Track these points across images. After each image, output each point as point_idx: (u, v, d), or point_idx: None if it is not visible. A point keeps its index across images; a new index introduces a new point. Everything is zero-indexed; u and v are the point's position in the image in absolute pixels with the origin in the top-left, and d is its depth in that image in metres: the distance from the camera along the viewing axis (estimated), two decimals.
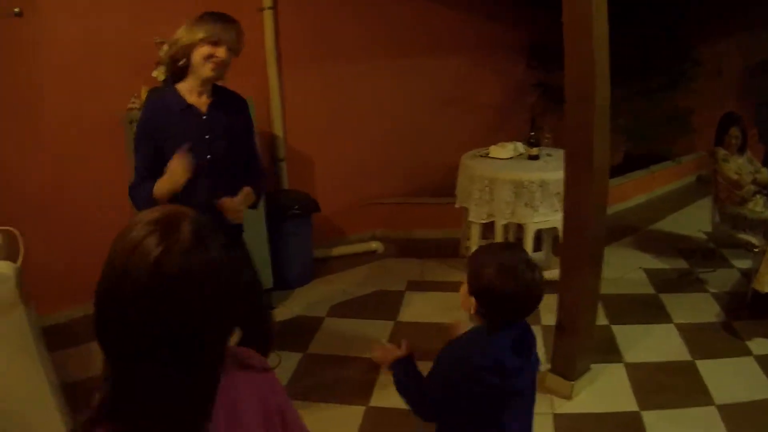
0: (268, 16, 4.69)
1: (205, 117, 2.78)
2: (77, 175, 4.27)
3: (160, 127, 2.74)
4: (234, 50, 2.75)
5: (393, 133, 5.50)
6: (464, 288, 1.98)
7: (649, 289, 4.65)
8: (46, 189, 4.16)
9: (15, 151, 4.06)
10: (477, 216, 4.65)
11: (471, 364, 1.87)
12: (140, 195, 2.73)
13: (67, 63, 4.08)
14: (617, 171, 6.35)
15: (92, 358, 4.02)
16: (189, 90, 2.77)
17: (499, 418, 1.95)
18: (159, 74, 3.94)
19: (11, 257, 3.11)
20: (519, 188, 4.45)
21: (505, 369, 1.85)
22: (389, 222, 5.60)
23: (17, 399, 3.10)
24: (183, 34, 2.70)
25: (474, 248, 4.59)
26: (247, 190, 2.86)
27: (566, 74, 3.23)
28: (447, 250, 5.27)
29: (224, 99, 2.86)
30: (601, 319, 4.11)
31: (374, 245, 5.37)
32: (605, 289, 4.28)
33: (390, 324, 4.27)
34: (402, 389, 2.09)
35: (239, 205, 2.82)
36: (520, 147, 4.81)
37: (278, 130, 4.90)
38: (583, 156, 3.31)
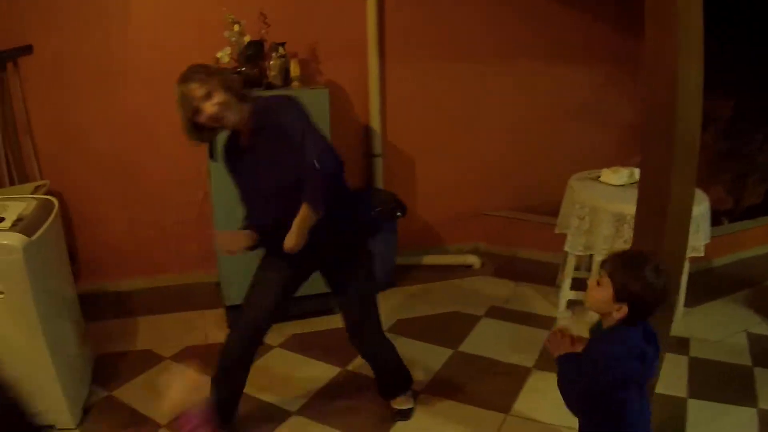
0: (371, 2, 4.54)
1: (248, 155, 2.83)
2: (150, 149, 4.46)
3: (229, 167, 2.95)
4: (219, 90, 2.65)
5: (507, 141, 5.15)
6: (605, 294, 2.22)
7: (746, 359, 3.95)
8: (121, 159, 4.38)
9: (94, 119, 4.30)
10: (573, 246, 4.22)
11: (620, 356, 2.19)
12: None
13: (145, 34, 4.30)
14: (754, 212, 5.61)
15: (135, 332, 4.24)
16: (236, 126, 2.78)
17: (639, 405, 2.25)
18: (223, 56, 3.95)
19: (36, 225, 3.24)
20: (620, 223, 3.95)
21: (647, 356, 2.18)
22: (492, 237, 5.26)
23: (18, 368, 3.26)
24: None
25: (567, 281, 4.27)
26: (296, 222, 2.69)
27: (647, 95, 2.76)
28: (546, 276, 4.88)
29: (261, 124, 2.75)
30: (680, 389, 3.61)
31: (470, 260, 5.07)
32: (698, 351, 3.98)
33: (447, 353, 4.00)
34: (564, 383, 2.30)
35: (292, 241, 2.70)
36: (636, 174, 4.23)
37: (375, 124, 4.74)
38: (658, 201, 2.81)
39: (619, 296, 2.19)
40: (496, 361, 3.90)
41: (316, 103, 3.95)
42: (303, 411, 3.48)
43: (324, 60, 4.52)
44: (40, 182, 4.25)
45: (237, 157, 2.88)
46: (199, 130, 2.73)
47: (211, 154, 3.11)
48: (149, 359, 4.00)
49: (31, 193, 4.02)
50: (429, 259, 5.12)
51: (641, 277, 2.17)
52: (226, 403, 3.19)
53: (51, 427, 3.39)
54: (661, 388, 3.36)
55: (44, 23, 4.15)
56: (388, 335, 3.49)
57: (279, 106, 2.74)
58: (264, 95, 2.92)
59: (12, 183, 4.28)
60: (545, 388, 3.59)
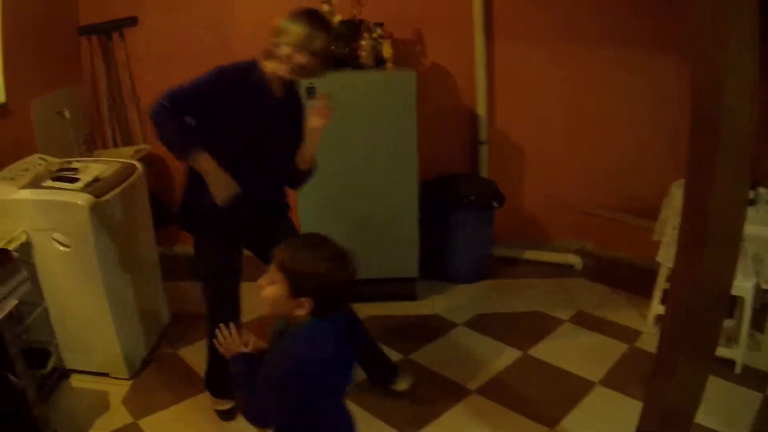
0: None
1: (272, 104, 2.93)
2: None
3: (224, 91, 2.84)
4: (317, 55, 2.77)
5: (627, 136, 4.73)
6: (278, 291, 1.95)
7: None
8: None
9: None
10: (665, 257, 3.90)
11: (306, 360, 1.92)
12: (168, 116, 2.75)
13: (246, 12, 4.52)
14: None
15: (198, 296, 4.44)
16: (272, 72, 2.85)
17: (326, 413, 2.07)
18: None
19: (109, 187, 3.53)
20: None
21: (339, 360, 2.00)
22: (601, 237, 4.93)
23: (78, 316, 3.59)
24: (278, 25, 2.80)
25: (657, 294, 3.96)
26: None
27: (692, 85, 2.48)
28: (647, 284, 4.45)
29: (292, 96, 3.01)
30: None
31: (571, 259, 4.81)
32: None
33: (515, 354, 3.87)
34: (239, 386, 2.08)
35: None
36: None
37: (481, 109, 4.61)
38: (699, 217, 2.55)
39: (296, 292, 1.93)
40: (562, 370, 3.72)
41: (402, 86, 3.97)
42: (482, 391, 3.57)
43: (425, 41, 4.47)
44: (140, 146, 4.60)
45: (251, 98, 2.89)
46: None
47: None
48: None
49: (130, 157, 4.36)
50: (529, 254, 4.93)
51: (315, 267, 1.92)
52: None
53: (106, 374, 3.73)
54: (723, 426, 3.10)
55: None
56: (464, 328, 3.52)
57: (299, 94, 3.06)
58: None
59: (116, 146, 4.66)
60: (601, 407, 3.40)
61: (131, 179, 3.78)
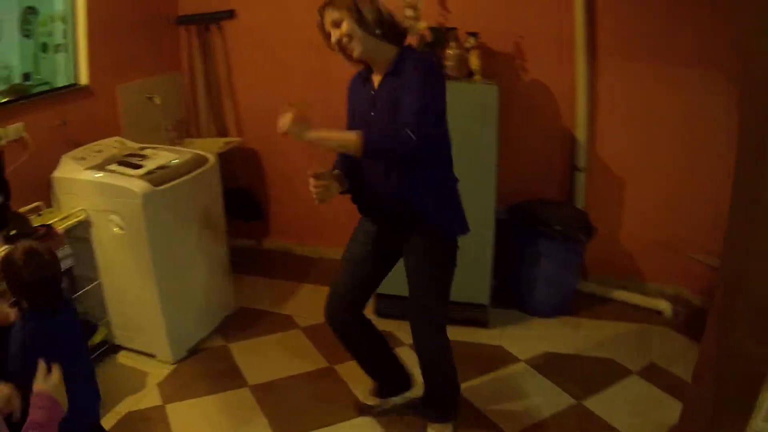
0: None
1: (373, 93, 2.84)
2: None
3: (350, 101, 3.00)
4: (349, 20, 2.67)
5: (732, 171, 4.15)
6: None
7: None
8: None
9: (292, 84, 4.70)
10: None
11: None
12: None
13: None
14: None
15: (289, 296, 4.55)
16: (376, 65, 2.84)
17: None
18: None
19: (171, 177, 3.71)
20: None
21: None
22: (701, 286, 4.41)
23: (130, 300, 3.84)
24: None
25: None
26: (328, 130, 2.71)
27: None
28: None
29: (398, 70, 2.74)
30: None
31: (662, 305, 4.37)
32: None
33: (568, 401, 3.60)
34: None
35: (287, 120, 2.63)
36: None
37: (580, 133, 4.31)
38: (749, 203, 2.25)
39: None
40: (611, 427, 3.45)
41: (483, 100, 3.84)
42: None
43: (523, 56, 4.24)
44: (231, 138, 4.76)
45: (361, 92, 2.90)
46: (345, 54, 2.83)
47: None
48: (283, 325, 4.32)
49: (220, 148, 4.55)
50: (618, 294, 4.55)
51: (15, 262, 2.20)
52: (372, 373, 3.47)
53: (152, 356, 3.92)
54: None
55: None
56: (525, 365, 3.62)
57: (419, 59, 2.73)
58: (414, 48, 2.88)
59: (209, 137, 4.85)
60: None
61: (200, 170, 3.92)
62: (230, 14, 4.70)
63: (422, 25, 3.99)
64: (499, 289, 4.41)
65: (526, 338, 4.16)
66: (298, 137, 2.60)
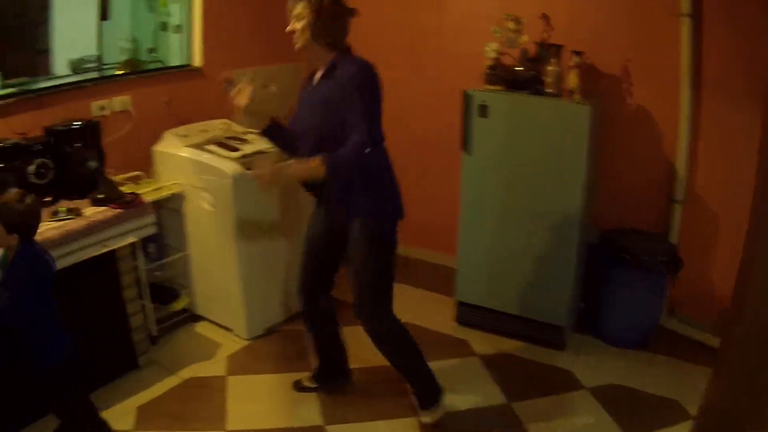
0: (685, 25, 3.94)
1: (310, 89, 3.15)
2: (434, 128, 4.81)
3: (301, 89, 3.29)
4: (299, 19, 2.97)
5: None
6: None
7: None
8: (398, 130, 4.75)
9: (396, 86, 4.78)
10: None
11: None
12: None
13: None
14: None
15: None
16: (318, 64, 3.13)
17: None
18: (489, 51, 4.00)
19: None
20: None
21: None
22: None
23: (214, 274, 4.13)
24: None
25: None
26: (295, 161, 3.10)
27: None
28: None
29: (336, 72, 3.02)
30: None
31: None
32: None
33: None
34: None
35: (264, 171, 3.12)
36: None
37: (681, 164, 4.16)
38: None
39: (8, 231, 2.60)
40: None
41: (573, 121, 3.81)
42: None
43: (630, 79, 4.16)
44: None
45: (305, 89, 3.21)
46: None
47: (464, 147, 3.81)
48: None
49: None
50: (699, 335, 4.32)
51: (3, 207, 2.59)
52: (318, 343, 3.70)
53: (230, 329, 4.18)
54: None
55: None
56: (587, 394, 3.65)
57: (359, 67, 2.97)
58: (353, 56, 3.08)
59: None
60: None
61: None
62: (351, 12, 4.77)
63: (524, 38, 4.01)
64: (583, 313, 4.37)
65: (597, 367, 4.07)
66: (278, 185, 3.24)
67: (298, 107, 3.21)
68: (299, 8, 2.97)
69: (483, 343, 4.10)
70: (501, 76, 4.00)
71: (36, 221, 2.71)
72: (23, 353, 2.76)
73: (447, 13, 4.71)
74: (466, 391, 3.72)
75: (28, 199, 2.66)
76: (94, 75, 4.01)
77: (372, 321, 3.27)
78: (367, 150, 2.90)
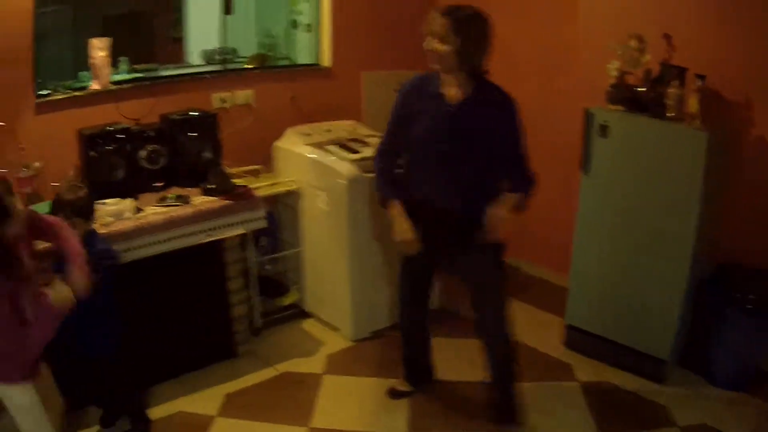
0: None
1: (450, 109, 2.99)
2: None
3: (409, 106, 3.12)
4: (441, 40, 2.85)
5: None
6: None
7: None
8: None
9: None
10: None
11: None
12: (378, 165, 3.27)
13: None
14: None
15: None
16: (448, 80, 3.00)
17: None
18: (611, 69, 3.78)
19: None
20: None
21: None
22: None
23: (325, 273, 4.23)
24: None
25: None
26: (508, 203, 3.01)
27: None
28: None
29: (482, 99, 2.98)
30: None
31: None
32: None
33: None
34: None
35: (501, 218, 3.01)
36: None
37: None
38: None
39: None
40: None
41: (688, 147, 3.54)
42: None
43: (756, 107, 3.79)
44: None
45: (428, 100, 3.04)
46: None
47: (583, 166, 3.77)
48: (469, 332, 4.29)
49: None
50: None
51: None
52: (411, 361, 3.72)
53: (336, 329, 4.23)
54: None
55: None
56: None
57: (509, 99, 3.00)
58: (490, 82, 3.03)
59: None
60: None
61: None
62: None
63: (646, 58, 3.77)
64: (690, 349, 4.06)
65: (694, 405, 3.75)
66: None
67: (425, 121, 3.05)
68: (441, 27, 2.85)
69: (586, 369, 3.92)
70: (622, 96, 3.79)
71: (88, 211, 2.91)
72: (75, 340, 2.91)
73: (576, 28, 4.47)
74: (558, 416, 3.57)
75: (81, 192, 2.87)
76: (218, 67, 4.21)
77: (494, 331, 3.30)
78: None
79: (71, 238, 2.69)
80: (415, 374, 3.71)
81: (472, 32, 2.85)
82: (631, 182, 3.74)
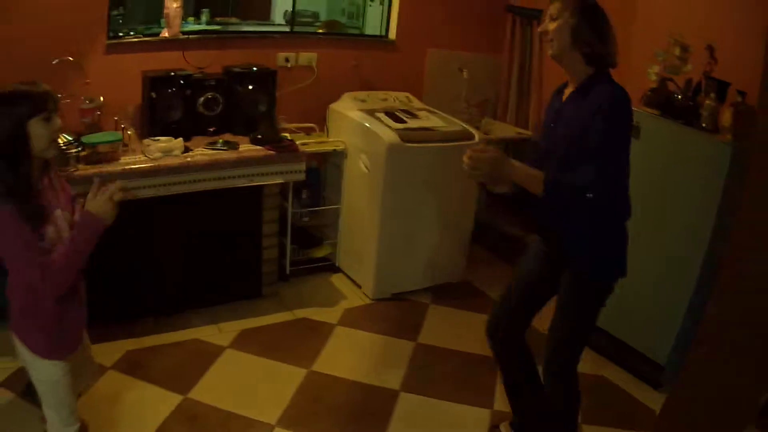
0: None
1: (559, 105, 2.85)
2: None
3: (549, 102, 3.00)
4: (565, 22, 2.64)
5: None
6: None
7: None
8: None
9: None
10: None
11: None
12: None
13: None
14: None
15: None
16: (569, 78, 2.82)
17: None
18: (651, 73, 3.88)
19: (424, 140, 4.20)
20: None
21: None
22: None
23: (357, 233, 4.56)
24: None
25: None
26: (521, 167, 2.66)
27: None
28: None
29: (591, 92, 2.68)
30: None
31: None
32: None
33: None
34: None
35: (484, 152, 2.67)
36: None
37: None
38: None
39: None
40: None
41: (710, 158, 3.63)
42: None
43: None
44: (523, 131, 5.01)
45: (552, 103, 2.93)
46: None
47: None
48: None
49: (512, 137, 4.92)
50: None
51: None
52: (511, 390, 3.34)
53: (359, 286, 4.55)
54: None
55: None
56: None
57: (617, 96, 2.63)
58: (612, 80, 2.74)
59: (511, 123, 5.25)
60: None
61: (459, 143, 4.20)
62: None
63: (688, 67, 3.85)
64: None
65: None
66: (491, 173, 2.65)
67: (545, 122, 2.97)
68: (554, 8, 2.68)
69: (585, 360, 3.92)
70: (659, 101, 3.89)
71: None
72: None
73: (632, 28, 4.46)
74: None
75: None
76: (285, 29, 4.56)
77: (555, 376, 3.03)
78: (589, 195, 2.56)
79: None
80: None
81: (586, 12, 2.63)
82: (655, 184, 3.84)
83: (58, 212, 2.36)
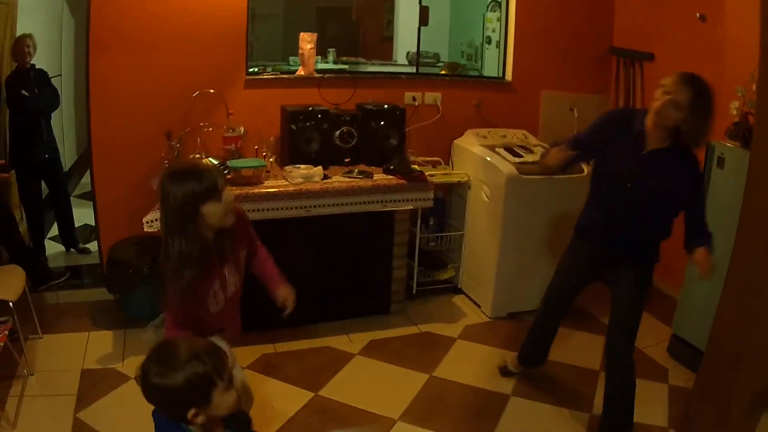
0: None
1: (643, 152, 3.26)
2: None
3: (604, 132, 3.43)
4: (679, 109, 3.04)
5: None
6: None
7: None
8: None
9: None
10: None
11: None
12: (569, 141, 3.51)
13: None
14: None
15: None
16: (654, 130, 3.22)
17: None
18: (732, 108, 4.18)
19: (536, 173, 4.65)
20: None
21: None
22: None
23: (478, 257, 5.05)
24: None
25: None
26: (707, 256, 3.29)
27: None
28: None
29: (675, 153, 3.19)
30: None
31: None
32: None
33: None
34: None
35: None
36: None
37: None
38: None
39: None
40: None
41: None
42: None
43: None
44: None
45: (625, 136, 3.29)
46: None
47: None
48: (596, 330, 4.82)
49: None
50: None
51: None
52: (531, 348, 4.14)
53: (479, 305, 5.02)
54: None
55: (662, 38, 5.10)
56: None
57: (692, 155, 3.22)
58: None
59: None
60: None
61: (569, 176, 4.55)
62: (651, 57, 5.23)
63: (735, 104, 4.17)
64: None
65: None
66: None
67: (613, 154, 3.34)
68: (685, 98, 3.02)
69: (680, 376, 4.29)
70: (740, 133, 4.15)
71: None
72: None
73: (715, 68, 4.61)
74: (637, 406, 3.76)
75: None
76: (411, 70, 5.09)
77: (628, 354, 3.51)
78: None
79: (271, 258, 3.04)
80: (531, 358, 4.15)
81: (706, 112, 3.05)
82: (738, 211, 3.83)
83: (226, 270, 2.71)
